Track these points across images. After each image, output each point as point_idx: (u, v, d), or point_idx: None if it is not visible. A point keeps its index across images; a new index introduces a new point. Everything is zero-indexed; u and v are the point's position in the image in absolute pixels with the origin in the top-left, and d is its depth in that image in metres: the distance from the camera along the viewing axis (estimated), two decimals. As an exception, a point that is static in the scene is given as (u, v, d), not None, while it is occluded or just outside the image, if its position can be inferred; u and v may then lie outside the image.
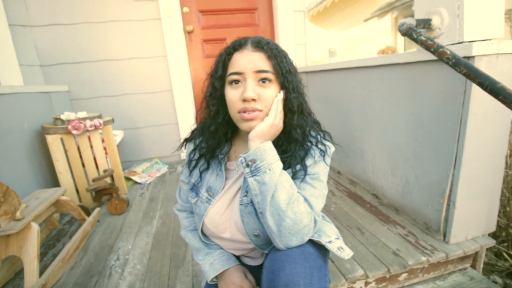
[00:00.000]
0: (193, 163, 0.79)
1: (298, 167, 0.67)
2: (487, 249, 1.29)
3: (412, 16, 1.08)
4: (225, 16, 2.42)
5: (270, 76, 0.64)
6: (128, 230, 1.42)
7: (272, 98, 0.65)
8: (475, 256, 1.18)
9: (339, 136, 1.85)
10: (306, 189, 0.67)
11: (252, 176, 0.62)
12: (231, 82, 0.65)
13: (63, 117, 1.61)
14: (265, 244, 0.73)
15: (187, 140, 0.84)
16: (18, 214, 1.04)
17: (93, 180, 1.57)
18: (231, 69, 0.66)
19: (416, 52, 1.13)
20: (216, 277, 0.76)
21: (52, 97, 1.98)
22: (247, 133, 0.67)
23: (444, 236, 1.15)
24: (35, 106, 1.78)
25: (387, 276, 1.06)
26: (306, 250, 0.62)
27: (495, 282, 1.18)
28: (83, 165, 1.69)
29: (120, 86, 2.27)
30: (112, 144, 1.80)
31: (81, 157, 1.68)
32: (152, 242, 1.30)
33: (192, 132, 0.85)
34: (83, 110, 2.11)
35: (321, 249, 0.68)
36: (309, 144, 0.70)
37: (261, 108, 0.64)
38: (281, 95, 0.66)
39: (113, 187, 1.61)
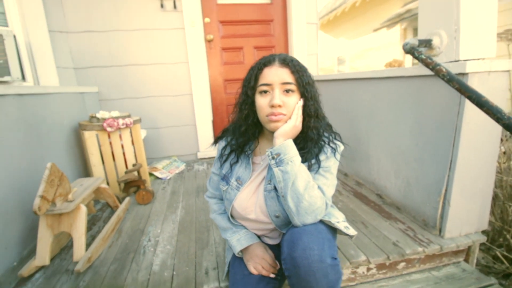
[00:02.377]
0: (225, 157, 0.96)
1: (313, 161, 0.83)
2: (485, 252, 1.41)
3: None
4: (243, 26, 2.61)
5: (293, 87, 0.81)
6: (155, 217, 1.59)
7: (294, 105, 0.81)
8: (468, 251, 1.31)
9: (347, 141, 1.97)
10: (319, 179, 0.83)
11: (277, 166, 0.79)
12: (261, 92, 0.82)
13: (98, 115, 1.80)
14: (284, 224, 0.89)
15: (219, 138, 1.01)
16: (70, 196, 1.21)
17: (125, 172, 1.75)
18: (261, 81, 0.82)
19: (419, 67, 1.28)
20: (241, 251, 0.91)
21: (85, 97, 2.18)
22: (271, 133, 0.84)
23: (440, 231, 1.28)
24: (72, 105, 1.98)
25: (387, 263, 1.20)
26: (319, 226, 0.78)
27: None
28: (114, 160, 1.87)
29: (144, 89, 2.47)
30: (139, 141, 1.98)
31: (112, 152, 1.86)
32: (178, 228, 1.46)
33: (223, 132, 1.02)
34: (110, 110, 2.31)
35: (331, 229, 0.83)
36: (322, 143, 0.86)
37: (285, 113, 0.81)
38: (301, 102, 0.83)
39: (141, 180, 1.79)
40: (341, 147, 0.89)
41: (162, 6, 2.36)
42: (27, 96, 1.48)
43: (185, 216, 1.59)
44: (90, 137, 1.79)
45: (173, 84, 2.51)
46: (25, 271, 1.10)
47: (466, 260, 1.33)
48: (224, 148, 0.96)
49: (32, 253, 1.24)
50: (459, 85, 0.92)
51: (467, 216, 1.27)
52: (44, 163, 1.52)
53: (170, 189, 2.02)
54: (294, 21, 2.59)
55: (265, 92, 0.82)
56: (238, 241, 0.91)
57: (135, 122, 1.92)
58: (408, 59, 6.43)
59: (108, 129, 1.76)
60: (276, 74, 0.81)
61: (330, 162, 0.85)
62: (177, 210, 1.67)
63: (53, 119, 1.70)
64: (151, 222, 1.54)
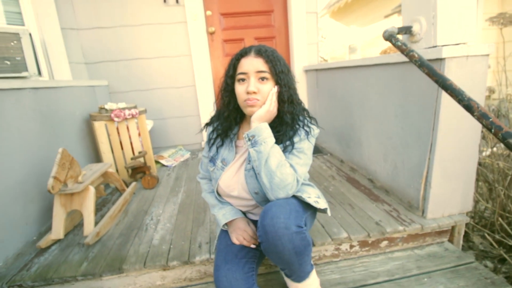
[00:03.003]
0: (212, 141, 1.06)
1: (287, 142, 0.92)
2: (483, 237, 1.45)
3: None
4: (244, 18, 2.67)
5: (267, 75, 0.89)
6: (159, 200, 1.73)
7: (268, 91, 0.90)
8: (452, 232, 1.36)
9: (343, 128, 2.05)
10: (293, 159, 0.91)
11: (252, 147, 0.88)
12: (239, 80, 0.91)
13: (107, 106, 1.94)
14: (263, 200, 0.98)
15: (207, 124, 1.11)
16: (80, 179, 1.36)
17: (131, 159, 1.90)
18: (239, 70, 0.91)
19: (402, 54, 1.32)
20: (226, 224, 1.02)
21: (96, 90, 2.33)
22: (251, 117, 0.92)
23: (423, 212, 1.34)
24: (83, 97, 2.14)
25: (369, 241, 1.28)
26: (289, 200, 0.87)
27: (486, 266, 1.34)
28: (122, 148, 2.02)
29: (150, 81, 2.60)
30: (145, 130, 2.11)
31: (120, 141, 2.01)
32: (178, 209, 1.59)
33: (211, 118, 1.12)
34: (119, 102, 2.45)
35: (303, 205, 0.92)
36: (297, 126, 0.94)
37: (259, 98, 0.89)
38: (275, 89, 0.91)
39: (146, 166, 1.93)
40: (315, 131, 0.96)
41: (165, 1, 2.46)
42: (42, 89, 1.63)
43: (186, 199, 1.72)
44: (99, 127, 1.94)
45: (177, 76, 2.63)
46: (42, 243, 1.26)
47: (451, 241, 1.38)
48: (212, 132, 1.06)
49: (49, 229, 1.41)
50: (428, 70, 0.96)
51: (449, 197, 1.31)
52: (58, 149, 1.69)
53: (174, 175, 2.16)
54: (294, 11, 2.62)
55: (242, 80, 0.91)
56: (223, 215, 1.02)
57: (140, 112, 2.06)
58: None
59: (116, 119, 1.90)
60: (251, 64, 0.89)
61: (304, 144, 0.93)
62: (179, 194, 1.80)
63: (66, 110, 1.86)
64: (155, 204, 1.68)
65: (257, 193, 0.96)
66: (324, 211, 0.97)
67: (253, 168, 0.95)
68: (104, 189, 1.89)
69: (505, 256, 1.26)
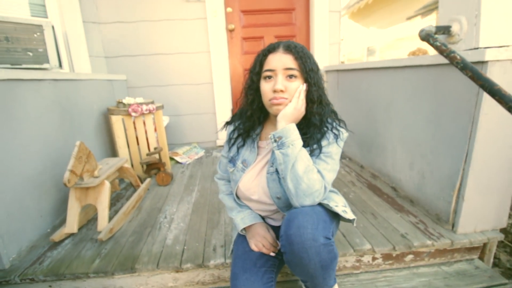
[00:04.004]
0: (232, 141, 1.01)
1: (315, 146, 0.86)
2: (510, 254, 1.35)
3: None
4: (264, 16, 2.61)
5: (296, 73, 0.83)
6: (172, 198, 1.70)
7: (296, 90, 0.84)
8: (483, 249, 1.26)
9: (364, 132, 1.96)
10: (320, 164, 0.85)
11: (278, 149, 0.82)
12: (265, 77, 0.85)
13: (124, 101, 1.93)
14: (285, 206, 0.93)
15: (228, 123, 1.06)
16: (96, 173, 1.34)
17: (147, 155, 1.88)
18: (266, 67, 0.86)
19: (437, 55, 1.23)
20: (244, 229, 0.97)
21: (114, 84, 2.33)
22: (276, 117, 0.87)
23: (453, 226, 1.25)
24: (102, 91, 2.14)
25: (394, 254, 1.20)
26: (316, 208, 0.81)
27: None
28: (138, 143, 2.01)
29: (168, 77, 2.59)
30: (161, 126, 2.09)
31: (136, 136, 1.99)
32: (192, 208, 1.55)
33: (232, 116, 1.07)
34: (136, 96, 2.45)
35: (330, 213, 0.86)
36: (325, 129, 0.87)
37: (287, 97, 0.83)
38: (303, 86, 0.85)
39: (161, 162, 1.90)
40: (344, 134, 0.90)
41: (186, -4, 2.43)
42: (62, 81, 1.63)
43: (200, 198, 1.68)
44: (116, 121, 1.93)
45: (194, 73, 2.60)
46: (56, 236, 1.25)
47: (481, 258, 1.28)
48: (232, 132, 1.01)
49: (63, 222, 1.40)
50: (472, 73, 0.88)
51: (482, 212, 1.22)
52: (76, 141, 1.69)
53: (188, 173, 2.13)
54: (317, 10, 2.54)
55: (269, 77, 0.85)
56: (242, 219, 0.97)
57: (157, 108, 2.04)
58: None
59: (133, 114, 1.88)
60: (279, 60, 0.83)
61: (332, 148, 0.87)
62: (193, 193, 1.77)
63: (84, 103, 1.85)
64: (168, 202, 1.65)
65: (279, 198, 0.91)
66: (350, 221, 0.90)
67: (276, 171, 0.89)
68: (119, 183, 1.88)
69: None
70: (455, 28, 1.10)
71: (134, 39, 2.48)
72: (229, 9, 2.55)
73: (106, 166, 1.48)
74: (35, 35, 1.94)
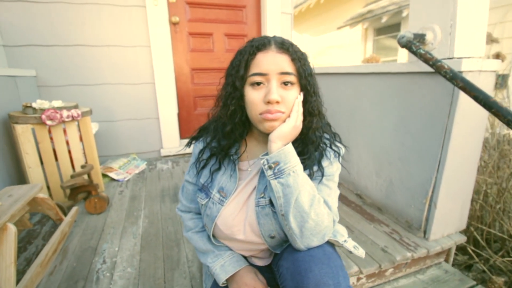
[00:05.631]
0: (203, 162, 0.77)
1: (315, 168, 0.69)
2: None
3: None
4: (213, 10, 2.37)
5: (293, 79, 0.65)
6: (111, 230, 1.33)
7: (293, 100, 0.65)
8: (448, 251, 1.30)
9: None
10: (323, 190, 0.69)
11: (276, 178, 0.63)
12: (253, 84, 0.64)
13: (35, 105, 1.45)
14: (279, 245, 0.74)
15: (195, 139, 0.81)
16: (-9, 214, 0.91)
17: (72, 176, 1.44)
18: (254, 69, 0.64)
19: (408, 64, 1.21)
20: (226, 279, 0.74)
21: (18, 81, 1.77)
22: (262, 133, 0.67)
23: (425, 233, 1.25)
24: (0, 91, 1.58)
25: (377, 271, 1.13)
26: (327, 250, 0.64)
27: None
28: (56, 160, 1.54)
29: (97, 74, 2.11)
30: (90, 137, 1.66)
31: (54, 150, 1.52)
32: (141, 243, 1.23)
33: (200, 130, 0.82)
34: (52, 99, 1.90)
35: (336, 249, 0.70)
36: (323, 145, 0.71)
37: (284, 110, 0.64)
38: (301, 97, 0.67)
39: (92, 184, 1.49)
40: (343, 150, 0.75)
41: (117, -22, 2.01)
42: None
43: (149, 227, 1.36)
44: (24, 132, 1.43)
45: (132, 70, 2.18)
46: None
47: (446, 260, 1.32)
48: (202, 151, 0.77)
49: None
50: (463, 84, 0.85)
51: (449, 217, 1.25)
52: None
53: (129, 194, 1.74)
54: (268, 9, 2.42)
55: (258, 84, 0.64)
56: (222, 267, 0.74)
57: (83, 114, 1.60)
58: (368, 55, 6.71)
59: (49, 122, 1.42)
60: (273, 62, 0.63)
61: (333, 168, 0.72)
62: (139, 220, 1.42)
63: (-31, 109, 1.31)
64: (106, 237, 1.28)
65: (274, 237, 0.71)
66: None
67: (270, 203, 0.69)
68: (30, 217, 1.40)
69: (485, 268, 1.25)
70: (429, 37, 1.09)
71: (48, 24, 1.93)
72: (172, -1, 2.22)
73: (9, 201, 1.04)
74: None
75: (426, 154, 1.21)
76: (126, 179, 1.97)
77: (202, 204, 0.76)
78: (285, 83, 0.64)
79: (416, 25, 1.17)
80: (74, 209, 1.38)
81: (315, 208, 0.62)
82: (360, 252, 0.72)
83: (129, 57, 2.15)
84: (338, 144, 0.75)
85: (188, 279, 1.01)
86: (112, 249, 1.19)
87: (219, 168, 0.75)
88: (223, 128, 0.72)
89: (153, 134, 2.32)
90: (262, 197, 0.70)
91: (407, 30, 1.10)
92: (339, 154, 0.73)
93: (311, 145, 0.70)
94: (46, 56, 1.96)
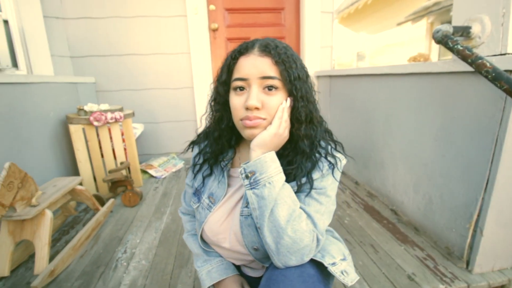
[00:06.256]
0: (197, 167, 0.77)
1: (303, 180, 0.63)
2: None
3: (449, 22, 0.99)
4: (251, 15, 2.40)
5: (277, 83, 0.60)
6: (139, 223, 1.44)
7: (277, 106, 0.61)
8: (501, 290, 1.07)
9: (360, 144, 1.76)
10: (311, 204, 0.62)
11: (251, 189, 0.59)
12: (235, 88, 0.62)
13: (86, 108, 1.66)
14: (265, 258, 0.69)
15: (193, 143, 0.82)
16: (33, 201, 1.08)
17: (110, 172, 1.61)
18: (235, 75, 0.62)
19: (451, 62, 1.04)
20: (213, 285, 0.73)
21: (79, 88, 2.06)
22: (251, 140, 0.64)
23: (467, 264, 1.05)
24: (62, 96, 1.86)
25: (399, 301, 0.99)
26: (306, 272, 0.58)
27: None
28: (102, 156, 1.74)
29: (144, 80, 2.32)
30: (130, 137, 1.83)
31: (100, 148, 1.73)
32: (160, 238, 1.30)
33: (198, 135, 0.83)
34: (108, 102, 2.18)
35: (324, 270, 0.63)
36: (317, 155, 0.65)
37: (264, 117, 0.60)
38: (287, 102, 0.62)
39: (128, 180, 1.64)
40: (342, 161, 0.67)
41: (163, -9, 2.19)
42: (2, 85, 1.35)
43: (171, 223, 1.43)
44: (76, 131, 1.66)
45: (174, 76, 2.35)
46: (-24, 284, 0.98)
47: (498, 300, 1.08)
48: (197, 155, 0.78)
49: None
50: (508, 86, 0.68)
51: (502, 247, 1.02)
52: (21, 157, 1.41)
53: (162, 190, 1.87)
54: (308, 10, 2.35)
55: (240, 89, 0.62)
56: (208, 273, 0.73)
57: (126, 116, 1.78)
58: (434, 54, 5.98)
59: (95, 123, 1.62)
60: (253, 65, 0.60)
61: (327, 181, 0.64)
62: (164, 216, 1.51)
63: (36, 110, 1.58)
64: (133, 229, 1.39)
65: (257, 250, 0.68)
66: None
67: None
68: (76, 206, 1.61)
69: None
70: (475, 29, 0.91)
71: (104, 37, 2.21)
72: (212, 7, 2.32)
73: (52, 190, 1.21)
74: (-20, 30, 1.65)
75: (471, 170, 1.01)
76: (163, 177, 2.12)
77: (194, 208, 0.77)
78: (269, 88, 0.60)
79: (460, 17, 0.99)
80: (110, 201, 1.54)
81: (293, 224, 0.57)
82: (349, 279, 0.63)
83: (171, 64, 2.31)
84: (337, 155, 0.67)
85: (192, 279, 1.03)
86: (135, 240, 1.29)
87: (210, 174, 0.75)
88: (213, 134, 0.72)
89: (191, 135, 2.44)
90: (246, 207, 0.67)
91: (446, 23, 0.93)
92: (334, 166, 0.65)
93: (300, 154, 0.64)
94: (103, 65, 2.24)
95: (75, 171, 1.83)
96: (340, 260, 0.65)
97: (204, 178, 0.75)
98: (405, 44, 7.01)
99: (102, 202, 1.58)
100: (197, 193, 0.76)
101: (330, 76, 2.16)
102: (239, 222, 0.68)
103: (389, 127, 1.47)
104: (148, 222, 1.46)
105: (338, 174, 0.66)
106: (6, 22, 1.78)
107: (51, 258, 1.08)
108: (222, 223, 0.71)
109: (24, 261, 1.16)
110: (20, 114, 1.44)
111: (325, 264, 0.61)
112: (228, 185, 0.72)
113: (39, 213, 1.05)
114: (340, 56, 9.65)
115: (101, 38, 2.21)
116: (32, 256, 1.19)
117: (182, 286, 1.00)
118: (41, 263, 1.03)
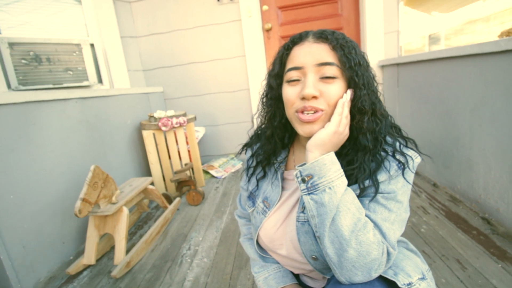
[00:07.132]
0: (251, 170, 0.75)
1: (367, 182, 0.54)
2: None
3: None
4: (305, 9, 2.31)
5: (335, 70, 0.53)
6: (201, 222, 1.52)
7: (337, 96, 0.54)
8: None
9: (438, 141, 1.52)
10: (378, 211, 0.53)
11: (309, 194, 0.53)
12: (289, 80, 0.57)
13: (155, 115, 1.83)
14: (326, 268, 0.63)
15: (246, 146, 0.80)
16: (114, 198, 1.22)
17: (176, 172, 1.74)
18: (289, 65, 0.57)
19: None
20: (269, 294, 0.70)
21: (150, 97, 2.29)
22: (307, 138, 0.58)
23: None
24: (137, 105, 2.09)
25: (500, 333, 0.80)
26: (375, 289, 0.50)
27: None
28: (169, 158, 1.90)
29: (204, 86, 2.46)
30: (193, 139, 1.95)
31: (168, 150, 1.88)
32: (220, 237, 1.34)
33: (251, 137, 0.81)
34: (173, 108, 2.38)
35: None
36: (383, 154, 0.55)
37: (323, 108, 0.53)
38: (348, 95, 0.54)
39: (191, 180, 1.75)
40: (415, 160, 0.56)
41: (218, -1, 2.28)
42: (90, 99, 1.58)
43: (230, 223, 1.47)
44: (148, 136, 1.84)
45: (230, 79, 2.42)
46: (72, 269, 1.15)
47: None
48: (250, 158, 0.76)
49: (88, 248, 1.31)
50: None
51: None
52: (106, 160, 1.63)
53: (222, 190, 1.94)
54: (368, -6, 2.15)
55: (294, 80, 0.57)
56: (265, 280, 0.70)
57: (189, 120, 1.90)
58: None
59: (163, 128, 1.77)
60: (308, 53, 0.54)
61: (396, 184, 0.54)
62: (224, 216, 1.56)
63: (117, 119, 1.80)
64: (196, 226, 1.47)
65: (316, 259, 0.62)
66: None
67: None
68: (149, 203, 1.78)
69: None
70: None
71: (170, 49, 2.42)
72: (265, 7, 2.31)
73: (128, 189, 1.36)
74: (74, 54, 1.97)
75: None
76: (223, 177, 2.20)
77: (250, 213, 0.75)
78: (326, 77, 0.54)
79: None
80: (176, 199, 1.66)
81: (358, 235, 0.50)
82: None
83: (228, 68, 2.39)
84: (408, 152, 0.57)
85: (251, 281, 1.02)
86: (198, 238, 1.36)
87: (264, 176, 0.72)
88: (265, 133, 0.69)
89: (247, 136, 2.49)
90: (303, 212, 0.62)
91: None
92: (405, 166, 0.55)
93: (362, 151, 0.56)
94: (169, 75, 2.45)
95: (147, 172, 2.04)
96: (417, 280, 0.55)
97: (258, 181, 0.72)
98: (491, 19, 5.86)
99: (170, 200, 1.72)
100: (252, 196, 0.74)
101: (398, 64, 1.93)
102: (295, 228, 0.63)
103: (478, 118, 1.22)
104: (209, 221, 1.52)
105: (410, 176, 0.55)
106: (92, 45, 2.09)
107: (128, 251, 1.21)
108: (277, 229, 0.67)
109: (107, 252, 1.33)
110: (105, 122, 1.67)
111: (399, 284, 0.52)
112: (283, 188, 0.68)
113: (118, 209, 1.19)
114: (408, 41, 8.64)
115: (167, 51, 2.42)
116: (113, 248, 1.36)
117: (241, 287, 1.00)
118: (120, 255, 1.16)
